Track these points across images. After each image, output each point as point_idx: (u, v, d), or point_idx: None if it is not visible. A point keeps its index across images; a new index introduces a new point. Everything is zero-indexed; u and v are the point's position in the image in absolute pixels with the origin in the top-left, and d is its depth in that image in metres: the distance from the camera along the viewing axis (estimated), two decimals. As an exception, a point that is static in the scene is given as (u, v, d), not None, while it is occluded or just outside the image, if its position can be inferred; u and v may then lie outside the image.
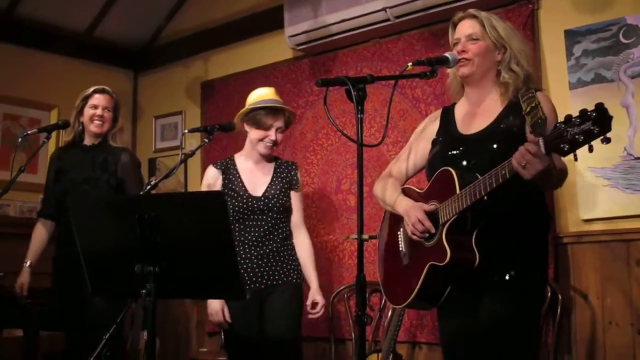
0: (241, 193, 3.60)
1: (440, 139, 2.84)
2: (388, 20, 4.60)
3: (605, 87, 3.82)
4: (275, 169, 3.71)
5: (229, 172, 3.68)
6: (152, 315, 2.40)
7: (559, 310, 3.71)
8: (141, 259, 2.41)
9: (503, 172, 2.37)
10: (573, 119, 2.14)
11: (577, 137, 2.13)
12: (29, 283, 4.06)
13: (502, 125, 2.65)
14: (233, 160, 3.74)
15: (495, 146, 2.60)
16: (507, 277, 2.56)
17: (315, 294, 3.64)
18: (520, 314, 2.57)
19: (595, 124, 2.10)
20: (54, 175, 4.10)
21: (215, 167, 3.72)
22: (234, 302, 3.51)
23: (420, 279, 2.62)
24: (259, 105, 3.64)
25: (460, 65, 2.72)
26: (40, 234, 4.13)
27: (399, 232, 2.85)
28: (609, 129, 2.11)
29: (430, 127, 2.92)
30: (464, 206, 2.49)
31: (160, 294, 2.41)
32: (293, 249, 3.69)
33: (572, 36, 3.96)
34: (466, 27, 2.75)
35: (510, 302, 2.55)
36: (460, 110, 2.85)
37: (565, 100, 3.90)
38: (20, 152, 4.83)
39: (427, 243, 2.66)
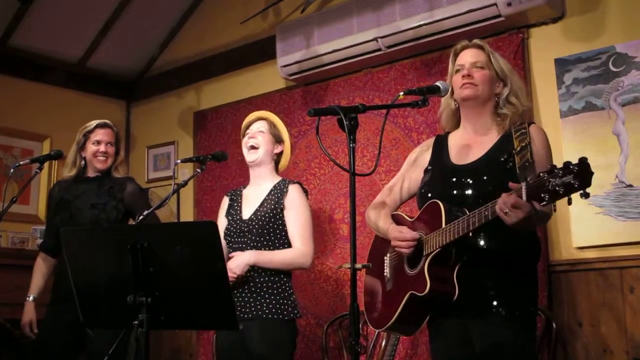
0: (234, 215, 3.58)
1: (433, 168, 2.85)
2: (379, 50, 4.64)
3: (596, 115, 3.84)
4: (271, 190, 3.57)
5: (235, 197, 3.68)
6: (145, 347, 2.38)
7: (553, 338, 3.69)
8: (134, 290, 2.39)
9: (486, 213, 2.41)
10: (556, 170, 2.18)
11: (557, 188, 2.16)
12: (36, 318, 3.95)
13: (494, 158, 2.67)
14: (244, 187, 3.74)
15: (486, 178, 2.62)
16: (495, 307, 2.56)
17: (237, 256, 3.37)
18: (515, 343, 2.55)
19: (576, 178, 2.14)
20: (55, 207, 4.01)
21: (226, 195, 3.75)
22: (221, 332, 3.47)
23: (400, 305, 2.66)
24: (244, 123, 3.69)
25: (464, 88, 2.74)
26: (41, 267, 4.04)
27: (385, 257, 2.88)
28: (588, 185, 2.14)
29: (423, 155, 2.94)
30: (447, 241, 2.52)
31: (153, 325, 2.39)
32: (277, 280, 3.41)
33: (562, 65, 3.99)
34: (471, 55, 2.79)
35: (504, 332, 2.54)
36: (455, 140, 2.87)
37: (556, 128, 3.92)
38: (12, 182, 4.83)
39: (409, 271, 2.69)
